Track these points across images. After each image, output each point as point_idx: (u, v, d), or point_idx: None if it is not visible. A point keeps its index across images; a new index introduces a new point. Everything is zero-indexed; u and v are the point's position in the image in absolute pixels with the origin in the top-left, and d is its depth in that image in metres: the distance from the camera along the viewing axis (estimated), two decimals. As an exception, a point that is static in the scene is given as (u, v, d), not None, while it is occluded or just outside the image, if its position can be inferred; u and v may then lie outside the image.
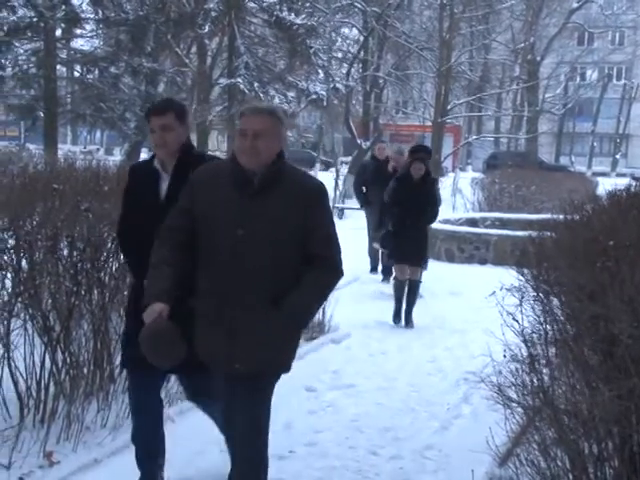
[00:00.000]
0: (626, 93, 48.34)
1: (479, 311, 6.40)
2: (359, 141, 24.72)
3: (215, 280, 3.04)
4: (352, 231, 11.29)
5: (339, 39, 26.74)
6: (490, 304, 4.02)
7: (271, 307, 2.99)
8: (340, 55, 26.65)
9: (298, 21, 21.10)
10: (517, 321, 3.72)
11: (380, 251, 9.47)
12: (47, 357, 4.23)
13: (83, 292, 4.40)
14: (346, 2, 25.89)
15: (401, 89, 30.12)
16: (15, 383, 4.18)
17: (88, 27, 22.47)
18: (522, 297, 3.84)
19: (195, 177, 3.16)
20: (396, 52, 28.04)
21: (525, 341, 3.67)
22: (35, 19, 20.31)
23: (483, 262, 11.82)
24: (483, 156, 40.72)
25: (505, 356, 3.71)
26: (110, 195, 4.96)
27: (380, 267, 10.35)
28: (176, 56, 22.39)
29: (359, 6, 25.99)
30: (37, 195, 4.98)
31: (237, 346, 3.02)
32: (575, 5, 35.94)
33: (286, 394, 3.81)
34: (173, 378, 4.44)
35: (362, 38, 26.75)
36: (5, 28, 20.39)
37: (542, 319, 3.79)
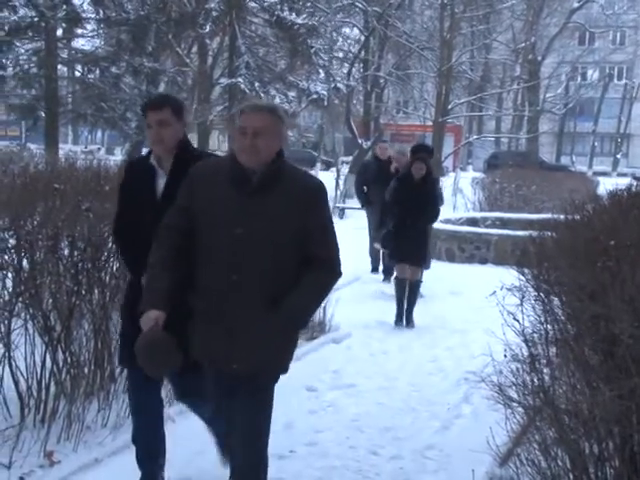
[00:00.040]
0: (627, 93, 48.33)
1: (480, 311, 6.41)
2: (360, 141, 24.72)
3: (214, 278, 3.01)
4: (353, 231, 11.31)
5: (340, 39, 26.76)
6: (491, 304, 4.02)
7: (269, 307, 2.96)
8: (341, 55, 26.67)
9: (299, 21, 21.11)
10: (518, 321, 3.72)
11: (381, 251, 9.47)
12: (48, 357, 4.23)
13: (84, 292, 4.40)
14: (347, 2, 25.88)
15: (402, 89, 30.13)
16: (16, 383, 4.18)
17: (89, 27, 22.52)
18: (523, 297, 3.84)
19: (194, 172, 3.12)
20: (397, 52, 28.04)
21: (526, 341, 3.67)
22: (36, 19, 20.32)
23: (484, 262, 11.82)
24: (484, 156, 40.72)
25: (506, 356, 3.71)
26: (111, 195, 4.94)
27: (381, 267, 10.35)
28: (177, 56, 22.40)
29: (360, 6, 25.98)
30: (38, 195, 4.97)
31: (236, 346, 3.00)
32: (576, 5, 35.93)
33: (286, 394, 3.81)
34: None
35: (363, 38, 26.76)
36: (6, 28, 20.41)
37: (543, 319, 3.79)
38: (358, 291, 9.22)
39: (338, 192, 20.22)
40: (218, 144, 33.15)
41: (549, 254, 4.15)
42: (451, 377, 6.08)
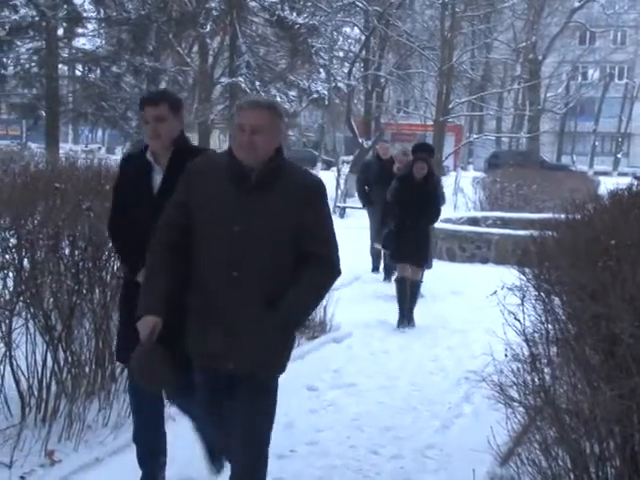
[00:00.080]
0: (628, 92, 48.36)
1: (480, 310, 6.38)
2: (361, 140, 24.74)
3: (212, 275, 2.98)
4: (353, 230, 11.30)
5: (340, 38, 26.80)
6: (491, 303, 4.01)
7: (267, 306, 2.93)
8: (342, 54, 26.69)
9: (300, 20, 21.14)
10: (518, 320, 3.72)
11: (382, 251, 9.47)
12: (49, 356, 4.23)
13: (85, 291, 4.40)
14: (348, 1, 25.86)
15: (402, 88, 30.14)
16: (17, 382, 4.18)
17: (90, 26, 22.50)
18: (523, 296, 3.84)
19: (192, 167, 3.08)
20: (397, 51, 28.05)
21: (526, 340, 3.67)
22: (37, 18, 20.33)
23: (484, 261, 11.82)
24: (484, 155, 40.70)
25: (506, 355, 3.70)
26: (111, 194, 4.95)
27: (382, 267, 10.35)
28: (178, 55, 22.40)
29: (361, 5, 25.99)
30: (39, 194, 4.97)
31: (234, 344, 2.96)
32: (577, 4, 35.87)
33: (287, 393, 3.80)
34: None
35: (363, 37, 26.78)
36: (7, 27, 20.41)
37: (543, 318, 3.79)
38: (359, 291, 9.22)
39: (339, 191, 20.22)
40: (219, 143, 33.16)
41: (550, 254, 4.16)
42: (452, 377, 6.08)
